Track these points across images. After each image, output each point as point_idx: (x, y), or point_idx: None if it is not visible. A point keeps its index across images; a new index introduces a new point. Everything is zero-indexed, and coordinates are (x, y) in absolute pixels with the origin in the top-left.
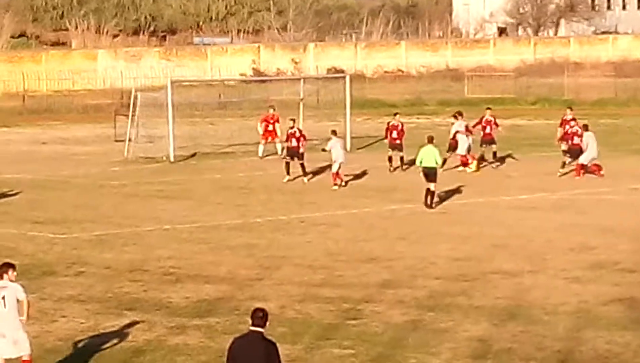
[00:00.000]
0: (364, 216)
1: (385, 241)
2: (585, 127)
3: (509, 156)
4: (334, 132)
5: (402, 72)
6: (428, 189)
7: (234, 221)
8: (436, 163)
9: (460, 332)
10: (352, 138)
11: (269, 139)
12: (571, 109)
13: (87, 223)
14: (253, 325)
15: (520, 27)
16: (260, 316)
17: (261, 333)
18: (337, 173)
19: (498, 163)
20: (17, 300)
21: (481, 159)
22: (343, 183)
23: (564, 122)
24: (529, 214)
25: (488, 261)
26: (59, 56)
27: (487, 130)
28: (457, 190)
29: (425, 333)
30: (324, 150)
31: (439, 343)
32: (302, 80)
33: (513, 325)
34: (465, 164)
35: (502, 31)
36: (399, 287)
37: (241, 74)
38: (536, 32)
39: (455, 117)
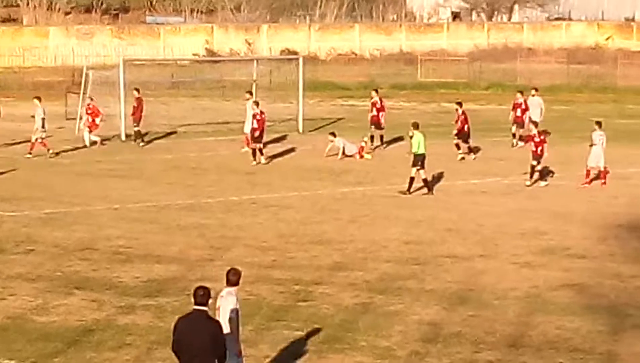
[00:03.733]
0: (316, 198)
1: (337, 223)
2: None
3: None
4: (37, 98)
5: (356, 55)
6: (413, 178)
7: (185, 201)
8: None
9: (411, 315)
10: (304, 120)
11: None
12: (522, 93)
13: (37, 201)
14: (196, 304)
15: (474, 12)
16: (201, 294)
17: (205, 311)
18: (35, 143)
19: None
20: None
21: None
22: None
23: (515, 106)
24: (481, 198)
25: (439, 245)
26: (10, 32)
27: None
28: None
29: (375, 316)
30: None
31: (389, 326)
32: (255, 61)
33: (463, 309)
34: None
35: (455, 16)
36: (350, 270)
37: (194, 54)
38: (490, 18)
39: None
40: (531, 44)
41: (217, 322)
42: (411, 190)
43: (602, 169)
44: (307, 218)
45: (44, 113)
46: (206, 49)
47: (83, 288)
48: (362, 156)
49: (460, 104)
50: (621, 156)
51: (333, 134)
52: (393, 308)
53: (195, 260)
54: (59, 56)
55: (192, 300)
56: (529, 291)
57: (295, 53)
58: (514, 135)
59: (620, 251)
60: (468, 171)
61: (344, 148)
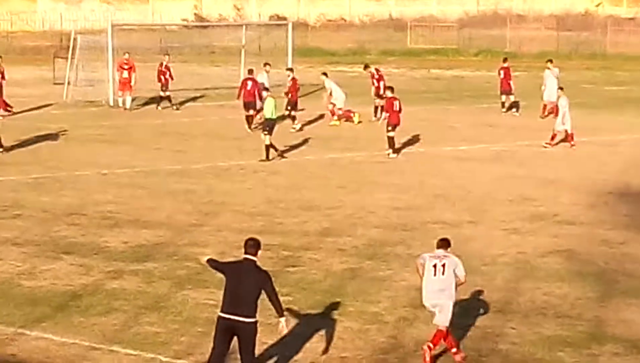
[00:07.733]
0: (304, 163)
1: (326, 189)
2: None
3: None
4: None
5: (345, 20)
6: (268, 145)
7: (173, 167)
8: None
9: (399, 280)
10: None
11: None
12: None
13: (23, 166)
14: (246, 253)
15: None
16: (252, 244)
17: (254, 261)
18: None
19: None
20: (455, 274)
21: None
22: None
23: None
24: (470, 165)
25: (428, 211)
26: None
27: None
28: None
29: (363, 281)
30: None
31: (377, 292)
32: (244, 27)
33: None
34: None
35: None
36: (338, 235)
37: (183, 19)
38: None
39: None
40: (521, 11)
41: (266, 272)
42: (269, 156)
43: (570, 132)
44: (295, 184)
45: None
46: (195, 14)
47: (71, 252)
48: (346, 119)
49: (291, 70)
50: (610, 123)
51: (325, 74)
52: (381, 273)
53: (184, 225)
54: (47, 20)
55: (243, 250)
56: (517, 258)
57: (285, 19)
58: (502, 104)
59: (609, 217)
60: (457, 138)
61: (331, 91)
